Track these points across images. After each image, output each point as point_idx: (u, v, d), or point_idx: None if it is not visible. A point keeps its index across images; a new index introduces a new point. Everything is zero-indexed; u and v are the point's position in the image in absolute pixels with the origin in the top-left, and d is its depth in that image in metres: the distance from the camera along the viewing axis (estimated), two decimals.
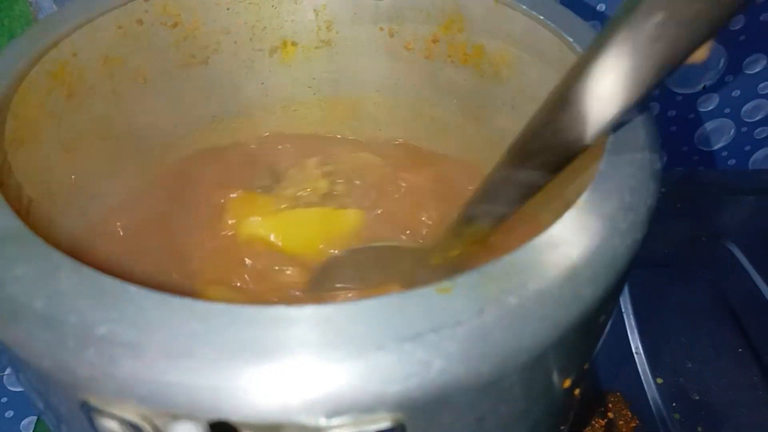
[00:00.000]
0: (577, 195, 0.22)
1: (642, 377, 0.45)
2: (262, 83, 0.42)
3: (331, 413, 0.18)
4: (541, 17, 0.31)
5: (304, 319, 0.18)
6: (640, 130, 0.25)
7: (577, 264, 0.20)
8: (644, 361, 0.45)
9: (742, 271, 0.52)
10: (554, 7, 0.32)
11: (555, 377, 0.22)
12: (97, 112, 0.36)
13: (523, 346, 0.19)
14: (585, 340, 0.22)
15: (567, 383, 0.23)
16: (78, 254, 0.20)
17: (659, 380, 0.44)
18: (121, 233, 0.38)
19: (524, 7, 0.32)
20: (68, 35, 0.32)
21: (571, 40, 0.30)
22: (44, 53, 0.31)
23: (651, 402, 0.43)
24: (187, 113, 0.41)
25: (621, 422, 0.43)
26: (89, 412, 0.19)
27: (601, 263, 0.21)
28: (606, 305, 0.21)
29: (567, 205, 0.22)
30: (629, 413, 0.43)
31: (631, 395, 0.44)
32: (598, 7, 0.55)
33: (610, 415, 0.43)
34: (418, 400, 0.18)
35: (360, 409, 0.18)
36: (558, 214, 0.21)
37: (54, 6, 0.55)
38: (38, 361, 0.19)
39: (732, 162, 0.67)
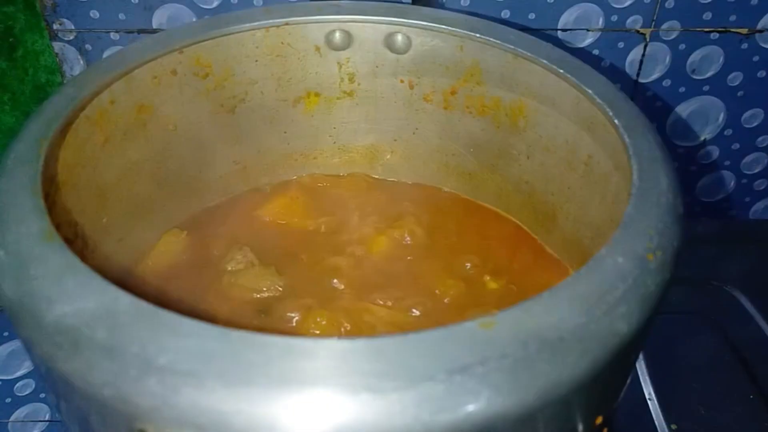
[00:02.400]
0: (598, 227, 0.23)
1: (656, 423, 0.45)
2: (285, 132, 0.44)
3: None
4: (561, 71, 0.33)
5: (358, 351, 0.19)
6: (663, 176, 0.26)
7: (613, 301, 0.21)
8: (657, 407, 0.46)
9: (749, 318, 0.53)
10: (572, 61, 0.34)
11: (590, 412, 0.23)
12: (129, 158, 0.37)
13: (564, 378, 0.20)
14: (618, 376, 0.23)
15: (599, 420, 0.24)
16: None
17: (674, 426, 0.45)
18: (145, 278, 0.38)
19: (544, 61, 0.34)
20: (108, 85, 0.34)
21: (589, 91, 0.31)
22: (87, 102, 0.32)
23: None
24: (212, 160, 0.42)
25: None
26: None
27: (635, 300, 0.22)
28: (638, 342, 0.22)
29: (588, 236, 0.23)
30: None
31: None
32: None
33: None
34: (466, 430, 0.19)
35: None
36: (578, 244, 0.22)
37: (79, 58, 0.57)
38: (98, 390, 0.19)
39: (733, 213, 0.69)
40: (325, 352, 0.19)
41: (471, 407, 0.19)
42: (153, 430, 0.19)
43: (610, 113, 0.30)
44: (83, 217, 0.35)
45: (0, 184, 0.27)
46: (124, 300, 0.21)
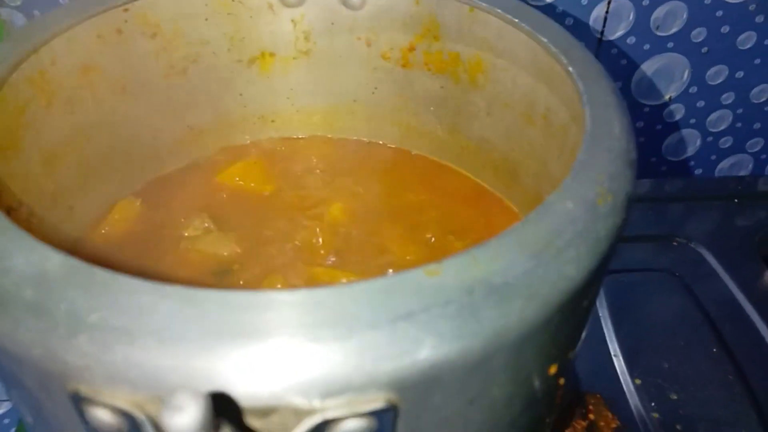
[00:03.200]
0: (558, 180, 0.23)
1: (621, 379, 0.45)
2: (241, 94, 0.43)
3: (325, 394, 0.18)
4: (516, 20, 0.32)
5: (297, 302, 0.19)
6: (616, 122, 0.26)
7: (561, 245, 0.21)
8: (622, 363, 0.46)
9: (713, 275, 0.53)
10: (528, 11, 0.33)
11: (542, 361, 0.22)
12: (76, 122, 0.36)
13: (511, 324, 0.19)
14: (570, 323, 0.23)
15: (553, 369, 0.24)
16: None
17: (637, 381, 0.45)
18: (98, 246, 0.37)
19: (498, 10, 0.33)
20: (47, 42, 0.32)
21: (545, 40, 0.31)
22: (23, 60, 0.31)
23: (630, 402, 0.44)
24: (166, 124, 0.41)
25: (602, 423, 0.43)
26: (80, 403, 0.19)
27: (584, 245, 0.21)
28: (589, 287, 0.22)
29: (549, 191, 0.22)
30: (609, 414, 0.43)
31: (610, 396, 0.44)
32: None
33: (591, 416, 0.43)
34: (410, 379, 0.18)
35: (353, 388, 0.18)
36: (540, 200, 0.22)
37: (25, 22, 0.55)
38: (27, 350, 0.18)
39: (699, 171, 0.69)
40: (263, 304, 0.18)
41: (414, 355, 0.18)
42: (86, 390, 0.18)
43: (565, 62, 0.29)
44: (28, 184, 0.33)
45: None
46: (55, 258, 0.20)
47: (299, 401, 0.18)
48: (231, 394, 0.17)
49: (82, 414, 0.19)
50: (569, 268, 0.21)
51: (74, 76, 0.35)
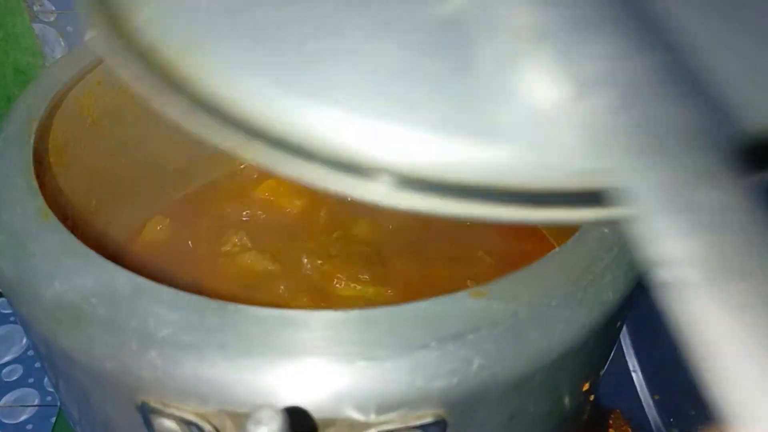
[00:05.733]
0: None
1: (640, 394, 0.46)
2: None
3: (380, 409, 0.19)
4: None
5: (353, 321, 0.20)
6: None
7: (599, 271, 0.22)
8: (641, 379, 0.47)
9: None
10: None
11: (577, 378, 0.24)
12: (117, 139, 0.37)
13: (553, 345, 0.21)
14: (603, 343, 0.24)
15: (586, 386, 0.25)
16: None
17: (656, 396, 0.46)
18: (134, 259, 0.39)
19: None
20: (97, 65, 0.34)
21: None
22: (76, 82, 0.32)
23: (650, 418, 0.45)
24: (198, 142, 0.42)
25: None
26: (148, 414, 0.20)
27: (620, 269, 0.22)
28: (624, 309, 0.23)
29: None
30: (629, 429, 0.44)
31: (630, 412, 0.45)
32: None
33: (611, 431, 0.44)
34: (459, 396, 0.19)
35: (406, 404, 0.19)
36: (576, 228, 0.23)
37: (60, 39, 0.57)
38: (100, 364, 0.20)
39: None
40: (321, 323, 0.20)
41: (464, 373, 0.19)
42: (155, 402, 0.19)
43: None
44: (73, 199, 0.35)
45: None
46: (122, 276, 0.21)
47: (356, 415, 0.19)
48: (305, 408, 0.19)
49: (149, 424, 0.20)
50: (607, 293, 0.22)
51: (116, 95, 0.36)
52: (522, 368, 0.20)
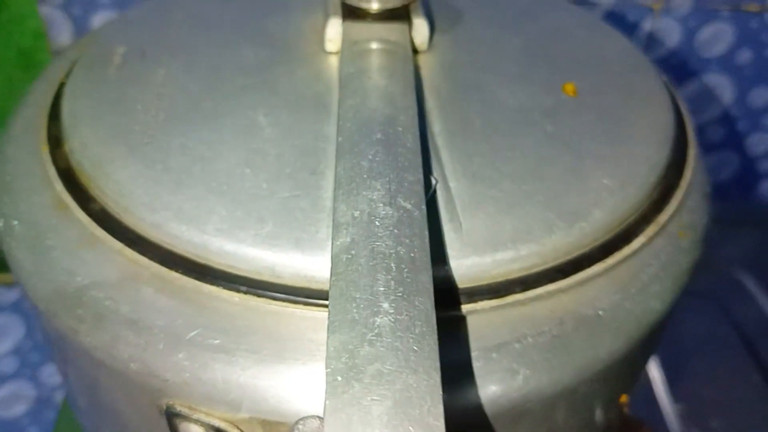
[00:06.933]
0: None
1: (662, 404, 0.45)
2: None
3: None
4: None
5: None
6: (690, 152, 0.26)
7: (646, 280, 0.21)
8: (662, 387, 0.46)
9: (751, 300, 0.53)
10: None
11: (618, 390, 0.23)
12: None
13: (600, 355, 0.19)
14: (646, 353, 0.23)
15: (624, 398, 0.24)
16: None
17: (678, 406, 0.45)
18: None
19: None
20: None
21: None
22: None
23: (672, 428, 0.44)
24: None
25: None
26: (173, 418, 0.19)
27: (668, 278, 0.21)
28: (669, 319, 0.22)
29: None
30: None
31: (652, 422, 0.44)
32: None
33: None
34: (502, 407, 0.18)
35: (450, 414, 0.18)
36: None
37: (67, 22, 0.56)
38: (124, 365, 0.19)
39: (736, 194, 0.69)
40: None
41: (509, 384, 0.18)
42: (181, 406, 0.18)
43: None
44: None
45: (7, 152, 0.26)
46: (146, 273, 0.20)
47: None
48: None
49: (174, 428, 0.19)
50: (654, 302, 0.21)
51: None
52: (568, 380, 0.19)
